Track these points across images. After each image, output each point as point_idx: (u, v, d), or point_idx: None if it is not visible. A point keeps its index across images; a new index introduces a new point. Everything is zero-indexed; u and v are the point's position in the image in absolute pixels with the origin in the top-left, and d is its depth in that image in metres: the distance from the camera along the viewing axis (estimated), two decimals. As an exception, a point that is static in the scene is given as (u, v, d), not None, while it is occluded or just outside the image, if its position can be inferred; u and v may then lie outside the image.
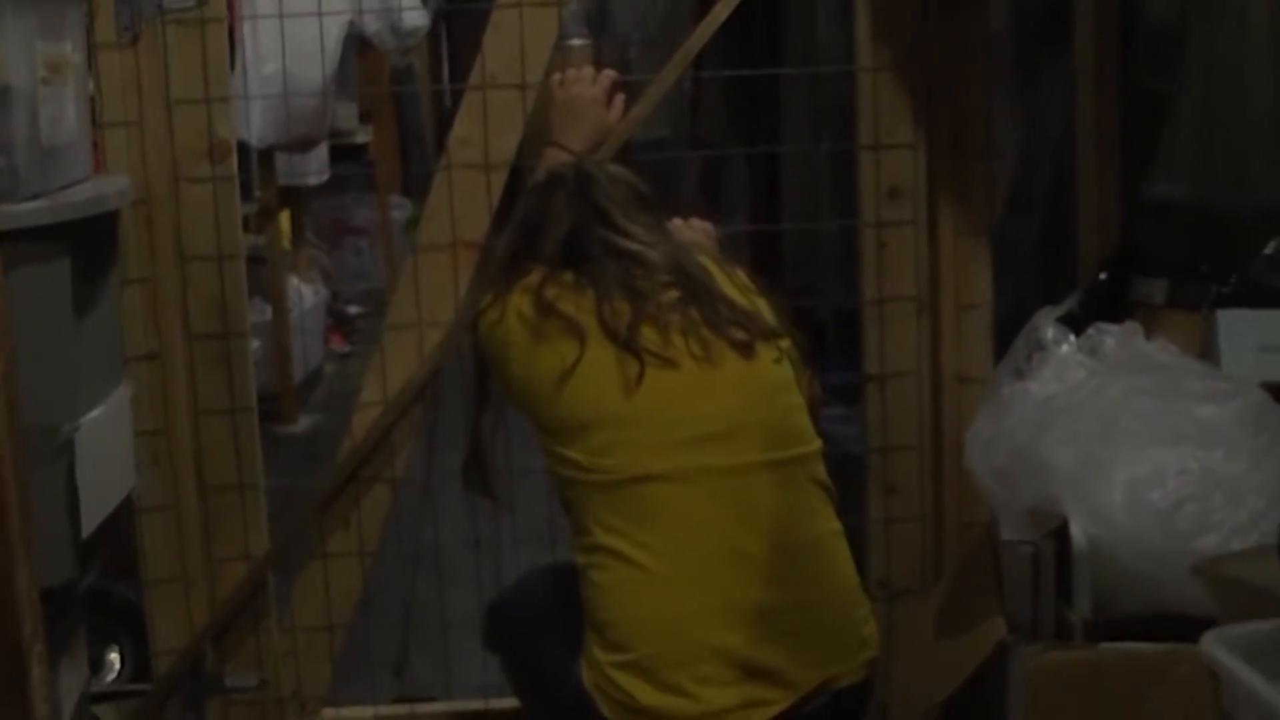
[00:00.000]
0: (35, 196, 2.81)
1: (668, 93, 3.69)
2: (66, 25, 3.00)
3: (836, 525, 2.83)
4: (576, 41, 3.65)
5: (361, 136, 8.49)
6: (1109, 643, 2.72)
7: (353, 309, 8.45)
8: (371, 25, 7.23)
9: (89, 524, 2.90)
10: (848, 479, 3.49)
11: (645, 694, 2.67)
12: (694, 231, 3.13)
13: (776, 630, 2.70)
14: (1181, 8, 3.64)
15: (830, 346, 4.19)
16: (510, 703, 3.35)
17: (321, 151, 7.16)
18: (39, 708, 2.64)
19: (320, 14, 3.99)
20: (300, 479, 3.72)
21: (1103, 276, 3.40)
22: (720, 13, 3.37)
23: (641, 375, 2.73)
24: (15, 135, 2.76)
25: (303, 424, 6.69)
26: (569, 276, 2.84)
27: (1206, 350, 3.13)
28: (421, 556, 3.92)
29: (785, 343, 2.88)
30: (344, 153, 8.18)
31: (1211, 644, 2.01)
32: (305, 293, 7.15)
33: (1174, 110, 3.62)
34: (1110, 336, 3.05)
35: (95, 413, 2.96)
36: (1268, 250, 3.40)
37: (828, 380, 3.69)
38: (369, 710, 3.66)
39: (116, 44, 3.30)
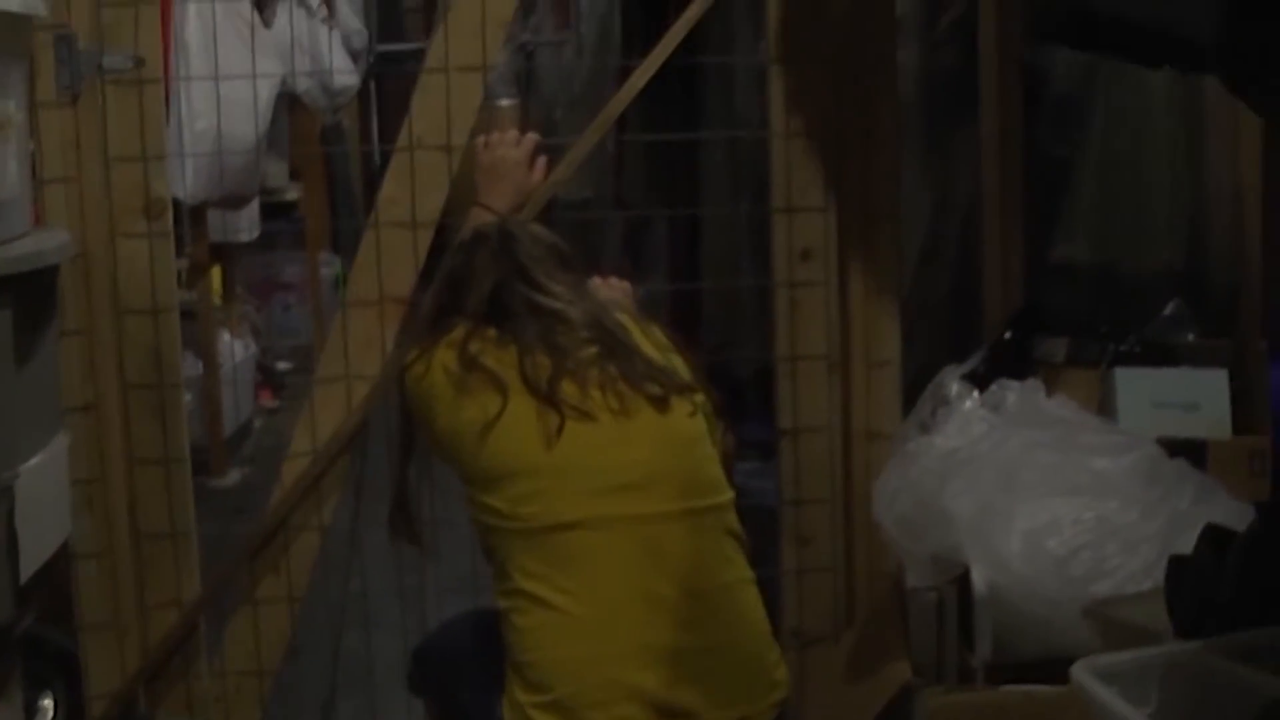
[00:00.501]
0: (-22, 249, 2.91)
1: (592, 155, 3.82)
2: (9, 84, 3.10)
3: (748, 573, 2.94)
4: (504, 102, 3.78)
5: (291, 194, 8.54)
6: (1009, 685, 2.84)
7: (281, 365, 8.50)
8: (303, 84, 7.34)
9: (26, 569, 2.98)
10: (762, 530, 3.62)
11: (561, 733, 2.78)
12: (612, 290, 3.24)
13: (690, 672, 2.81)
14: (1082, 79, 3.77)
15: (748, 403, 4.29)
16: (434, 747, 3.47)
17: (253, 209, 7.23)
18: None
19: (254, 75, 4.10)
20: (230, 530, 3.79)
21: (1007, 335, 3.53)
22: (639, 79, 3.50)
23: (561, 427, 2.84)
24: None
25: (232, 477, 6.75)
26: (492, 332, 2.95)
27: (1104, 406, 3.28)
28: (348, 604, 4.02)
29: (699, 397, 2.99)
30: (274, 210, 8.21)
31: (1080, 672, 2.14)
32: (236, 348, 7.21)
33: (1075, 175, 3.76)
34: (1012, 393, 3.19)
35: (33, 461, 3.05)
36: (1166, 311, 3.54)
37: (746, 436, 3.82)
38: (297, 756, 3.76)
39: (56, 102, 3.39)
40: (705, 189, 4.97)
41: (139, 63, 3.44)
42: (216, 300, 7.06)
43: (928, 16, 4.13)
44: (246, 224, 7.23)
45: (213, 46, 4.21)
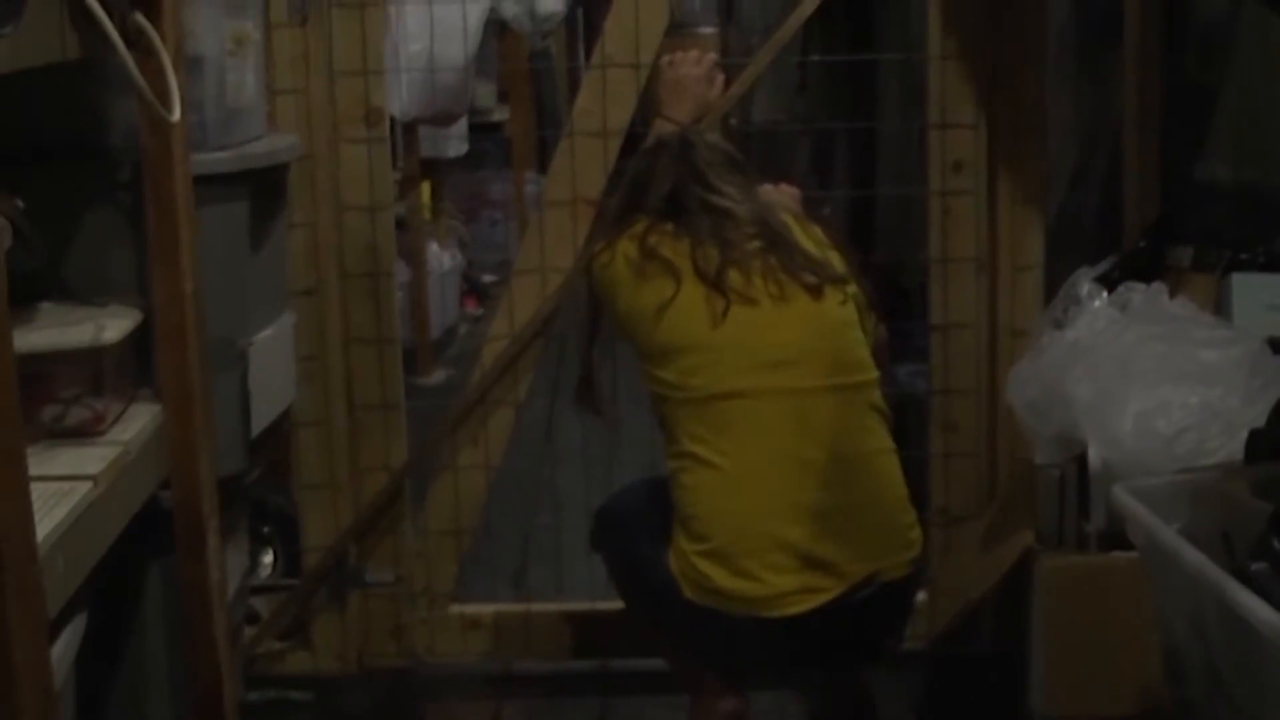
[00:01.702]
0: (221, 149, 3.34)
1: (782, 79, 4.18)
2: (248, 6, 3.51)
3: (889, 444, 3.31)
4: (705, 29, 4.13)
5: (499, 115, 8.95)
6: (1118, 551, 3.17)
7: (487, 277, 8.91)
8: (510, 10, 7.69)
9: (258, 425, 3.42)
10: (921, 421, 4.00)
11: (721, 577, 3.17)
12: (780, 194, 3.60)
13: (832, 528, 3.18)
14: (1226, 10, 4.05)
15: (914, 310, 4.61)
16: (613, 605, 3.87)
17: (461, 127, 7.63)
18: (213, 572, 3.16)
19: (464, 1, 4.50)
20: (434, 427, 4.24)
21: (1141, 244, 3.85)
22: (808, 6, 3.85)
23: (726, 310, 3.23)
24: (205, 97, 3.28)
25: (437, 376, 7.19)
26: (669, 227, 3.34)
27: (1221, 308, 3.58)
28: (540, 476, 4.46)
29: (851, 288, 3.36)
30: (482, 130, 8.61)
31: (1119, 491, 2.48)
32: (444, 258, 7.65)
33: (1217, 100, 4.04)
34: (1137, 293, 3.50)
35: (265, 333, 3.48)
36: (1292, 225, 3.83)
37: (914, 341, 4.17)
38: (489, 608, 4.16)
39: (288, 23, 3.82)
40: (881, 107, 5.29)
41: (365, -17, 3.87)
42: (425, 213, 7.49)
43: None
44: (455, 141, 7.64)
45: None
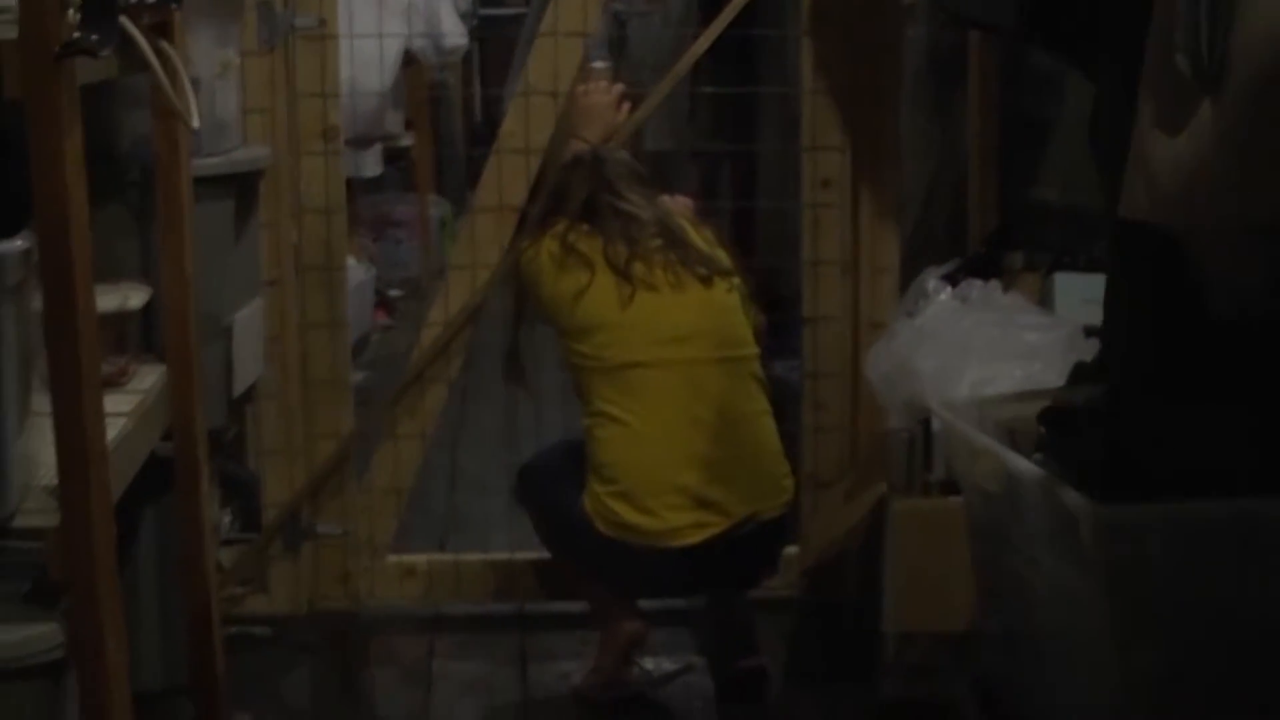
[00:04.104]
0: (210, 156, 3.96)
1: (673, 112, 4.84)
2: (230, 37, 4.14)
3: (767, 408, 4.01)
4: (599, 64, 4.78)
5: (405, 140, 9.52)
6: (954, 496, 3.84)
7: (393, 292, 9.45)
8: (418, 43, 8.26)
9: (238, 388, 4.05)
10: (795, 406, 4.66)
11: (628, 513, 3.86)
12: (676, 203, 4.28)
13: (719, 475, 3.88)
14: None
15: (791, 315, 5.25)
16: (530, 555, 4.55)
17: (376, 150, 8.24)
18: (206, 509, 3.80)
19: (380, 35, 5.14)
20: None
21: (981, 250, 4.55)
22: (701, 45, 4.53)
23: (633, 295, 3.92)
24: (200, 112, 3.92)
25: (355, 378, 7.75)
26: (584, 227, 4.03)
27: (1045, 301, 4.28)
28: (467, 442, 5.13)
29: (736, 280, 4.07)
30: (390, 155, 9.16)
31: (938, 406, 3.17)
32: (359, 271, 8.21)
33: (1050, 133, 4.72)
34: (976, 288, 4.19)
35: (243, 312, 4.11)
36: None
37: (790, 340, 4.83)
38: (423, 558, 4.76)
39: (259, 51, 4.43)
40: (761, 134, 5.98)
41: (322, 23, 4.46)
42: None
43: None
44: (371, 163, 8.22)
45: (350, 11, 5.04)
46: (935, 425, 3.88)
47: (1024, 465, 2.79)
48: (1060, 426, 2.73)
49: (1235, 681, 2.38)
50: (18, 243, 2.64)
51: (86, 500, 2.69)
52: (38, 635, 2.76)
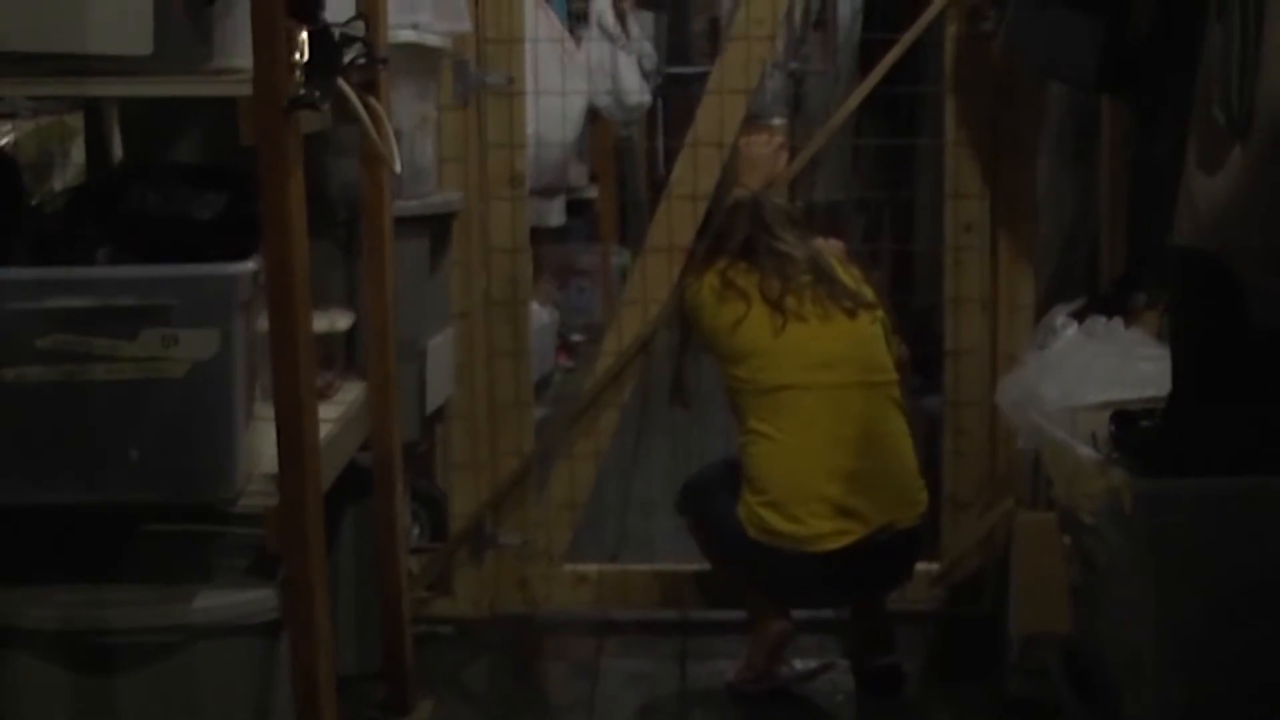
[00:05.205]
0: (410, 199, 4.44)
1: (841, 166, 5.28)
2: (429, 93, 4.63)
3: (904, 428, 4.43)
4: (776, 121, 5.23)
5: (589, 193, 9.96)
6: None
7: (575, 337, 9.89)
8: (602, 100, 8.68)
9: (430, 406, 4.52)
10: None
11: (776, 521, 4.29)
12: (828, 245, 4.71)
13: (860, 487, 4.30)
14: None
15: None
16: (693, 566, 4.98)
17: (560, 201, 8.70)
18: (399, 513, 4.26)
19: (564, 92, 5.62)
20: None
21: (1108, 290, 4.92)
22: (853, 101, 4.96)
23: (784, 325, 4.37)
24: (401, 160, 4.40)
25: (536, 414, 8.23)
26: (743, 265, 4.49)
27: (1164, 336, 4.64)
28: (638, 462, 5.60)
29: (879, 313, 4.49)
30: (575, 207, 9.58)
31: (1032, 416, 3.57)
32: (542, 314, 8.67)
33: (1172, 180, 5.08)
34: (1100, 325, 4.57)
35: (436, 339, 4.58)
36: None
37: (940, 375, 5.21)
38: (594, 567, 5.18)
39: (453, 105, 4.91)
40: (918, 183, 6.38)
41: (510, 80, 4.94)
42: (528, 274, 8.49)
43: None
44: (555, 213, 8.68)
45: (536, 69, 5.30)
46: (1058, 446, 4.25)
47: (1087, 452, 3.19)
48: (1124, 422, 3.12)
49: (1262, 638, 2.74)
50: (249, 265, 3.12)
51: (301, 486, 3.17)
52: (257, 599, 3.25)
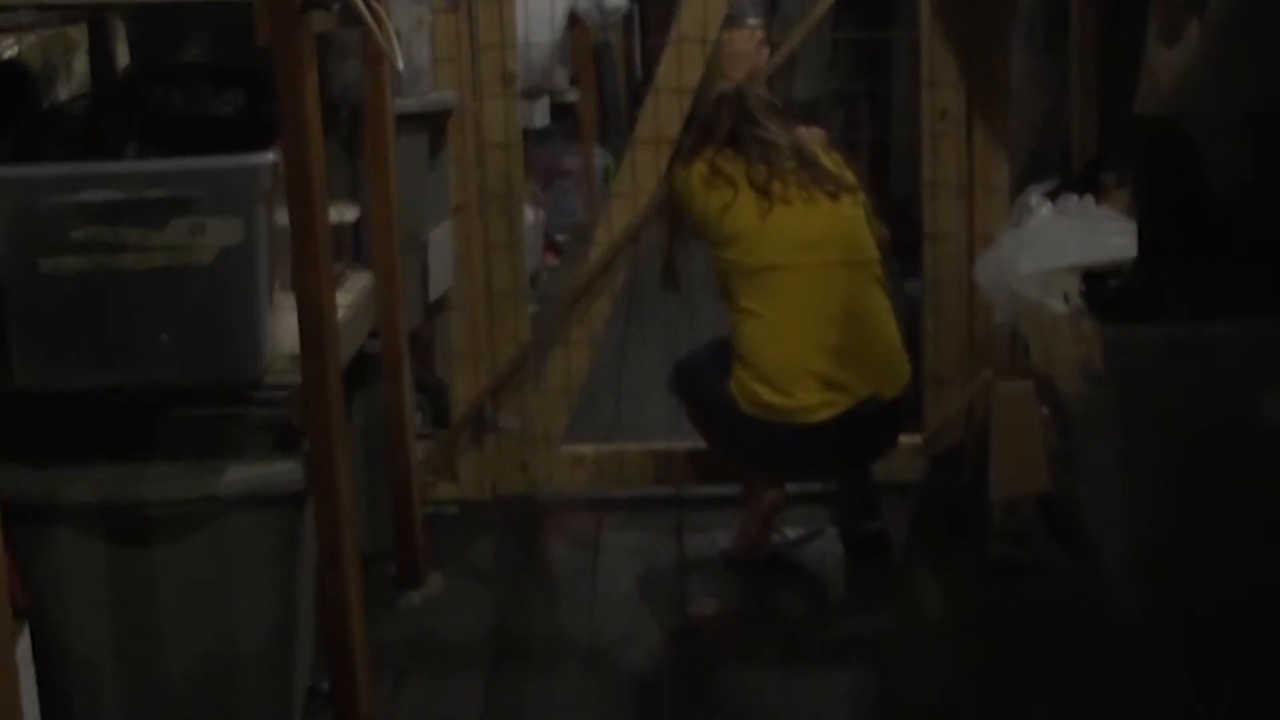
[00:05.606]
0: (409, 98, 4.64)
1: (818, 61, 5.47)
2: (423, -2, 4.84)
3: (886, 304, 4.64)
4: (752, 21, 5.42)
5: (571, 96, 10.13)
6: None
7: (560, 236, 10.07)
8: (582, 5, 8.84)
9: (433, 294, 4.73)
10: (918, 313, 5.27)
11: (767, 394, 4.50)
12: (810, 132, 4.92)
13: (845, 360, 4.52)
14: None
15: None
16: (686, 445, 5.20)
17: (544, 102, 8.87)
18: (409, 394, 4.48)
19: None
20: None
21: (1080, 171, 5.13)
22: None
23: (770, 209, 4.57)
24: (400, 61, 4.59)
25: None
26: (729, 152, 4.69)
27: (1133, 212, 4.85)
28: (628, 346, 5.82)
29: (860, 195, 4.69)
30: (557, 109, 9.76)
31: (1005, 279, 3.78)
32: (528, 213, 8.85)
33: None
34: (1073, 202, 4.78)
35: (435, 231, 4.78)
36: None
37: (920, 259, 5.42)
38: (591, 448, 5.42)
39: (446, 9, 5.09)
40: (896, 75, 6.57)
41: (501, -19, 5.16)
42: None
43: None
44: (540, 115, 8.85)
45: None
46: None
47: (1059, 308, 3.41)
48: (1093, 280, 3.34)
49: (1221, 475, 2.95)
50: (269, 156, 3.31)
51: (322, 363, 3.38)
52: (283, 471, 3.44)
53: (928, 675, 4.11)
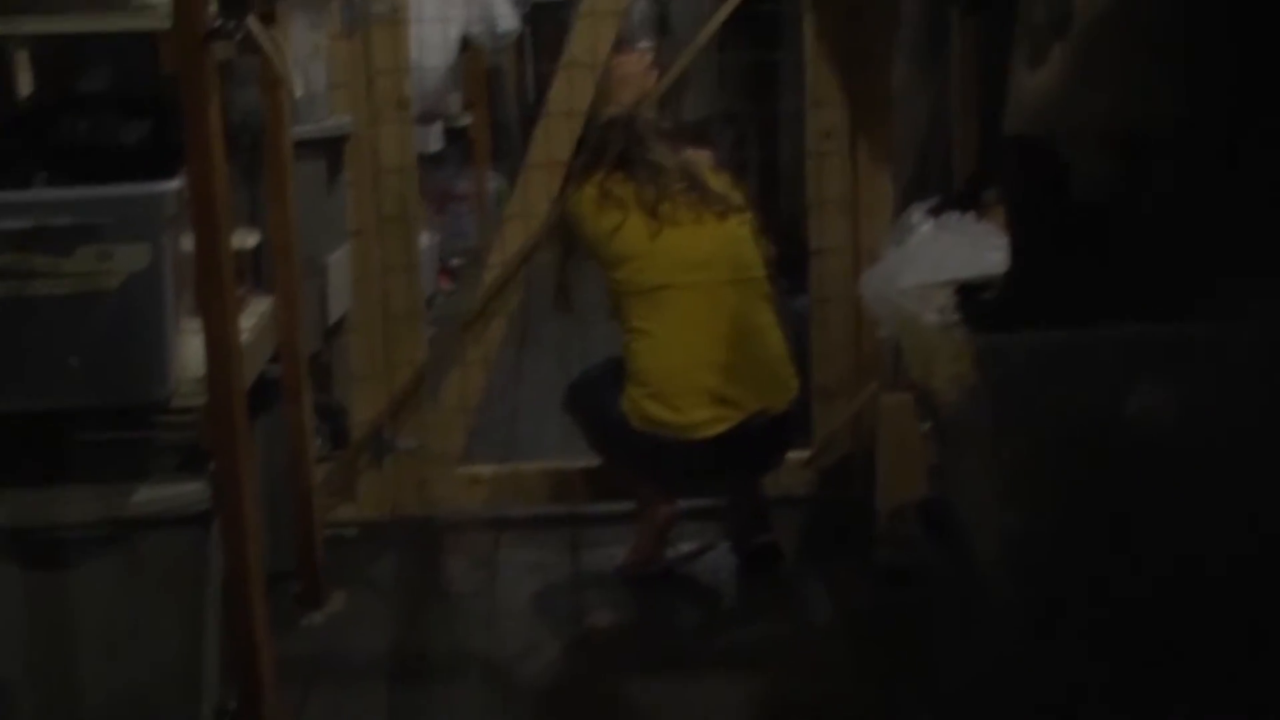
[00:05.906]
0: (305, 124, 4.73)
1: (709, 82, 5.61)
2: (321, 23, 4.92)
3: (774, 320, 4.77)
4: (643, 44, 5.54)
5: (463, 120, 10.22)
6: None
7: (455, 260, 10.14)
8: (475, 28, 8.92)
9: (331, 317, 4.83)
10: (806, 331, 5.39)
11: (658, 411, 4.62)
12: (697, 154, 5.03)
13: (734, 376, 4.65)
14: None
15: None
16: (580, 463, 5.31)
17: (438, 127, 8.95)
18: (309, 416, 4.57)
19: (444, 20, 5.91)
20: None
21: (961, 188, 5.27)
22: (717, 19, 5.28)
23: (660, 230, 4.69)
24: (298, 88, 4.69)
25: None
26: (620, 175, 4.80)
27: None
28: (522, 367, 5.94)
29: (748, 215, 4.82)
30: (450, 134, 9.84)
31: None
32: (423, 237, 8.93)
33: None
34: (954, 218, 4.92)
35: (334, 255, 4.88)
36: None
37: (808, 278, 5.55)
38: (488, 468, 5.49)
39: (343, 34, 5.18)
40: (782, 96, 6.71)
41: (395, 10, 5.20)
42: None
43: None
44: (434, 139, 8.93)
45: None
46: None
47: (935, 320, 3.56)
48: (967, 292, 3.48)
49: (1085, 474, 3.09)
50: (174, 183, 3.40)
51: (228, 384, 3.48)
52: (191, 491, 3.52)
53: (819, 680, 4.23)
